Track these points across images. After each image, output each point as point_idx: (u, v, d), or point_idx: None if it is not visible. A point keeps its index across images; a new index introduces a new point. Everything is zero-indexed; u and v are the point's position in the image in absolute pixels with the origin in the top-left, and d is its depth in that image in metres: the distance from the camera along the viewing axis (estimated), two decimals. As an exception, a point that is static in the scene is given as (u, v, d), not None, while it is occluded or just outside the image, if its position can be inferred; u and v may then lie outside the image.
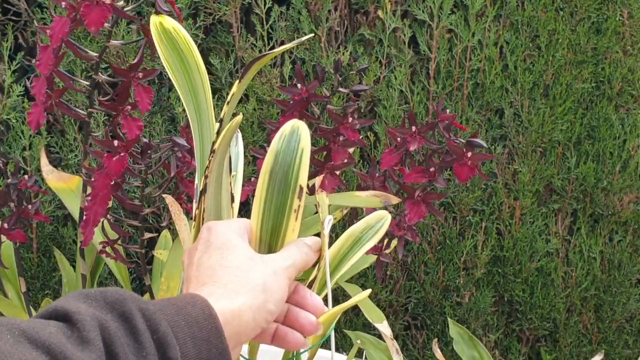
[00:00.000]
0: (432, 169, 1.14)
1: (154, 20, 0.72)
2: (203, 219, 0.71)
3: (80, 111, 1.14)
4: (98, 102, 1.10)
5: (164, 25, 0.72)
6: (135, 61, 1.06)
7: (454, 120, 1.15)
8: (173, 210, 0.72)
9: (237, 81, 0.69)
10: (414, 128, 1.15)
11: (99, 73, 1.12)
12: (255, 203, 0.72)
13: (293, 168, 0.72)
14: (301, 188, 0.72)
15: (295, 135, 0.72)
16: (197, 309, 0.61)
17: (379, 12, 1.62)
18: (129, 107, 1.06)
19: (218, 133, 0.69)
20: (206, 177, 0.69)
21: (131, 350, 0.57)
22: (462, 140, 1.14)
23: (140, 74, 1.06)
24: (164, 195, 0.73)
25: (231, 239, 0.69)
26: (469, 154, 1.12)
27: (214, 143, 0.69)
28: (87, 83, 1.12)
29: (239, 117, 0.68)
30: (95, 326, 0.56)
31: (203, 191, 0.70)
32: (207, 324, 0.61)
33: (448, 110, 1.22)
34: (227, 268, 0.66)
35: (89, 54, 1.11)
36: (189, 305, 0.61)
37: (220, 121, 0.70)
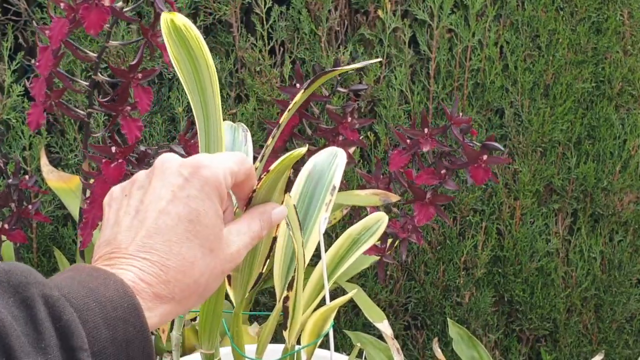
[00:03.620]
0: (442, 171, 1.14)
1: (165, 17, 0.72)
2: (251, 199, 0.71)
3: (80, 111, 1.14)
4: (98, 103, 1.10)
5: (175, 22, 0.72)
6: (134, 62, 1.05)
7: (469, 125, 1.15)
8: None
9: (302, 90, 0.72)
10: (426, 130, 1.15)
11: (99, 73, 1.12)
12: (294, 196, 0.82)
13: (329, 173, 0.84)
14: (334, 187, 0.82)
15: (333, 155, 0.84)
16: (110, 290, 0.57)
17: (379, 12, 1.62)
18: (129, 107, 1.06)
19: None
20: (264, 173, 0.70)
21: (30, 340, 0.53)
22: (477, 144, 1.14)
23: (140, 75, 1.06)
24: None
25: (209, 210, 0.63)
26: (484, 157, 1.12)
27: (263, 155, 0.72)
28: (87, 83, 1.12)
29: (304, 150, 0.70)
30: None
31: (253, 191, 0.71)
32: (122, 302, 0.57)
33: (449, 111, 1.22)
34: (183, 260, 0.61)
35: (88, 54, 1.11)
36: (102, 286, 0.57)
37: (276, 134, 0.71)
